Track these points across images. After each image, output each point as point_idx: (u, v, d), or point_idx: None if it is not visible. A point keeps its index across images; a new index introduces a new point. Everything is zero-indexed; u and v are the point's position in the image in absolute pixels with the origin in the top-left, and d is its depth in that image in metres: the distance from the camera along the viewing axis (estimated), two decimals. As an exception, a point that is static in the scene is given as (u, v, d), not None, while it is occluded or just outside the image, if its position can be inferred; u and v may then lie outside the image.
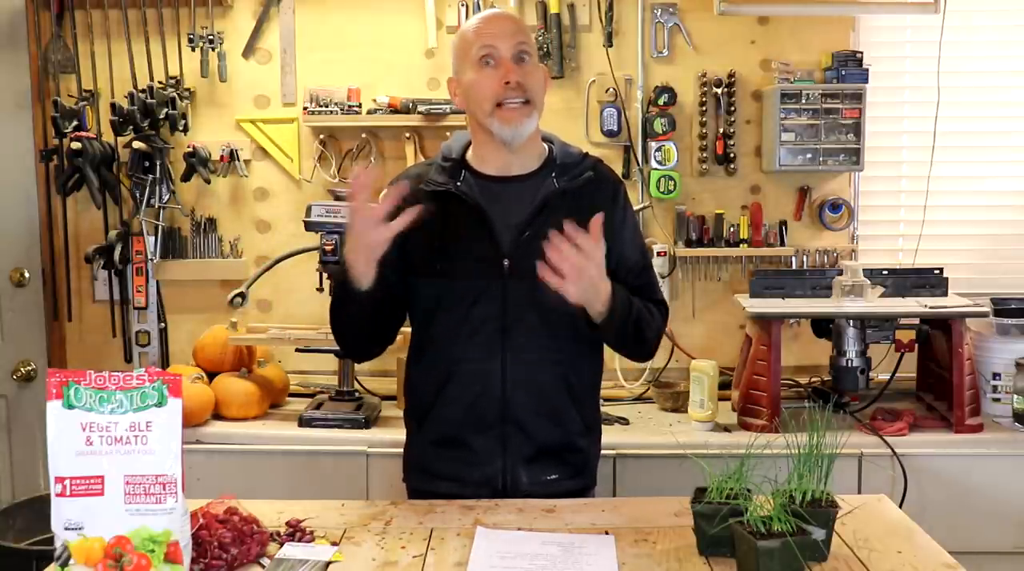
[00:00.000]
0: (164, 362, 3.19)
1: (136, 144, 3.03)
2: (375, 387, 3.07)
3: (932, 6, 2.99)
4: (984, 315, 2.80)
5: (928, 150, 3.14)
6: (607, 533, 1.75)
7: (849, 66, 3.05)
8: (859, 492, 2.50)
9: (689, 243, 3.16)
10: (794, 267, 3.15)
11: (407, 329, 2.09)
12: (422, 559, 1.65)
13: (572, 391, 2.02)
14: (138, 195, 3.07)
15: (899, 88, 3.22)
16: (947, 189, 3.20)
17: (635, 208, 2.99)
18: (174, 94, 3.06)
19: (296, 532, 1.73)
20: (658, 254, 3.11)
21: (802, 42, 3.14)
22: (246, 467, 2.72)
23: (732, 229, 3.15)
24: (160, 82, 3.08)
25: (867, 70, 3.06)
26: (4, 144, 3.16)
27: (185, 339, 3.18)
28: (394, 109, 3.07)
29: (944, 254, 3.14)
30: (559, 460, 2.02)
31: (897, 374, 3.01)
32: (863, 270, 2.84)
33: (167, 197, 3.11)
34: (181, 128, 3.09)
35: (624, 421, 2.88)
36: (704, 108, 3.14)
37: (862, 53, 3.08)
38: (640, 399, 3.10)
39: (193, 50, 3.11)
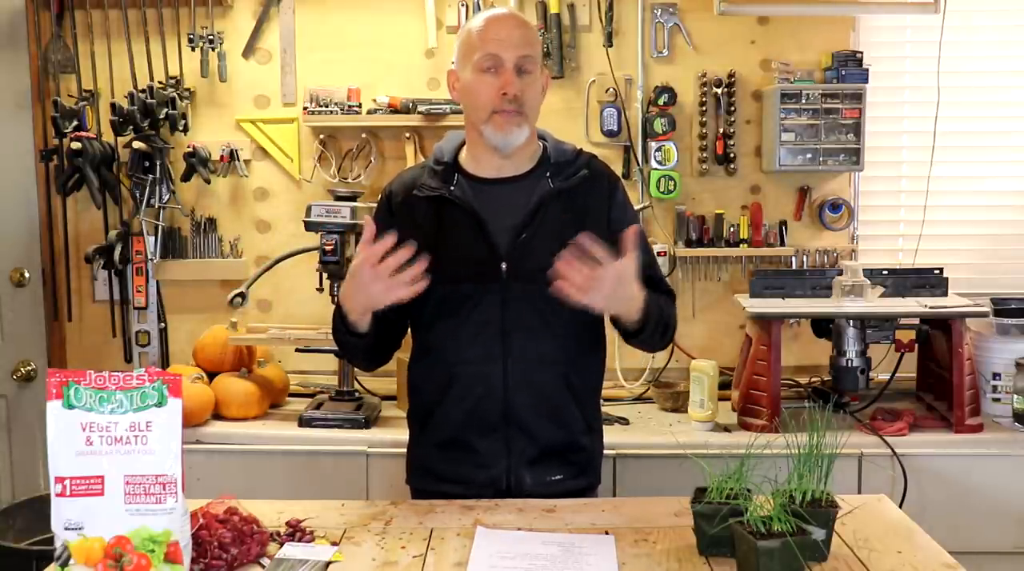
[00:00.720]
0: (164, 362, 3.19)
1: (136, 144, 3.03)
2: (375, 387, 3.06)
3: (932, 6, 2.99)
4: (984, 315, 2.80)
5: (928, 150, 3.14)
6: (607, 533, 1.75)
7: (849, 66, 3.05)
8: (859, 492, 2.50)
9: (689, 243, 3.16)
10: (794, 267, 3.15)
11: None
12: (422, 559, 1.65)
13: (574, 391, 2.02)
14: (138, 195, 3.07)
15: (899, 88, 3.22)
16: (947, 189, 3.20)
17: (635, 208, 3.00)
18: (174, 94, 3.06)
19: (296, 532, 1.73)
20: (658, 254, 3.09)
21: (802, 42, 3.14)
22: (246, 467, 2.72)
23: (732, 229, 3.15)
24: (160, 82, 3.08)
25: (867, 70, 3.06)
26: (4, 144, 3.16)
27: (185, 339, 3.18)
28: (394, 109, 3.07)
29: (944, 254, 3.14)
30: (563, 460, 2.03)
31: (897, 374, 3.01)
32: (863, 270, 2.84)
33: (167, 197, 3.11)
34: (181, 128, 3.09)
35: (624, 421, 2.88)
36: (704, 108, 3.14)
37: (862, 53, 3.08)
38: (640, 399, 3.10)
39: (193, 50, 3.11)
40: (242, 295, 2.98)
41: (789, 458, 1.63)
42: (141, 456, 1.48)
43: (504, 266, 1.95)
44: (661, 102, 3.10)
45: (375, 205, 2.13)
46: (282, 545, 1.68)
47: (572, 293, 1.75)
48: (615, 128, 3.13)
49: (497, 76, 1.93)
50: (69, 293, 3.21)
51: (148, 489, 1.48)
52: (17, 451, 3.21)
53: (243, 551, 1.61)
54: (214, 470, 2.65)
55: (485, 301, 1.95)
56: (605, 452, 2.16)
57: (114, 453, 1.48)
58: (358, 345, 1.96)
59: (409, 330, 2.10)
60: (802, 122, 3.04)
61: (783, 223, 3.17)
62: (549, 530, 1.76)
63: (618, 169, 3.10)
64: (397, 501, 1.94)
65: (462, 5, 3.10)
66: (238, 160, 3.15)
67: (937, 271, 2.93)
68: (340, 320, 1.92)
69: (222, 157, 3.14)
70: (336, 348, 2.81)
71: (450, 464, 2.02)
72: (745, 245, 3.15)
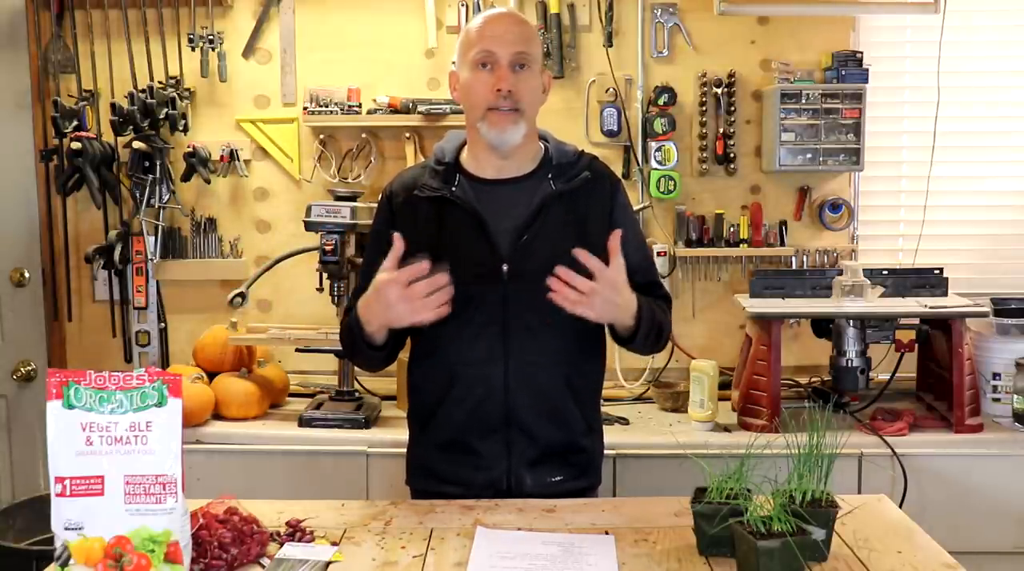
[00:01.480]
0: (164, 362, 3.19)
1: (136, 144, 3.03)
2: (375, 387, 3.06)
3: (932, 6, 2.99)
4: (984, 315, 2.80)
5: (928, 150, 3.14)
6: (607, 533, 1.75)
7: (849, 66, 3.05)
8: (859, 492, 2.50)
9: (689, 243, 3.16)
10: (794, 267, 3.15)
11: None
12: (422, 559, 1.65)
13: (574, 392, 2.02)
14: (138, 195, 3.07)
15: (899, 88, 3.22)
16: (947, 189, 3.20)
17: (635, 208, 3.00)
18: (174, 94, 3.06)
19: (296, 532, 1.73)
20: (658, 254, 3.10)
21: (802, 42, 3.14)
22: (246, 467, 2.72)
23: (732, 229, 3.15)
24: (160, 82, 3.08)
25: (867, 70, 3.06)
26: (4, 144, 3.16)
27: (185, 339, 3.18)
28: (394, 109, 3.07)
29: (944, 254, 3.14)
30: (563, 461, 2.02)
31: (897, 374, 3.01)
32: (863, 270, 2.84)
33: (167, 197, 3.11)
34: (181, 128, 3.09)
35: (624, 421, 2.88)
36: (704, 108, 3.14)
37: (862, 53, 3.08)
38: (640, 399, 3.10)
39: (193, 50, 3.11)
40: (242, 295, 2.98)
41: (789, 458, 1.63)
42: (141, 456, 1.48)
43: (505, 267, 1.95)
44: (661, 102, 3.11)
45: (375, 205, 2.13)
46: (282, 545, 1.68)
47: (567, 305, 1.78)
48: (615, 128, 3.13)
49: (492, 73, 1.93)
50: (69, 293, 3.21)
51: (148, 489, 1.48)
52: (17, 451, 3.21)
53: (243, 551, 1.61)
54: (214, 470, 2.65)
55: (486, 302, 1.95)
56: (605, 452, 2.16)
57: (114, 453, 1.48)
58: (375, 357, 1.98)
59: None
60: (802, 122, 3.05)
61: (783, 223, 3.17)
62: (549, 530, 1.76)
63: (618, 169, 3.10)
64: (397, 501, 1.94)
65: (462, 5, 3.10)
66: (238, 160, 3.15)
67: (937, 271, 2.93)
68: (356, 330, 1.91)
69: (222, 157, 3.14)
70: (336, 348, 2.84)
71: (450, 465, 2.02)
72: (745, 245, 3.15)
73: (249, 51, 3.17)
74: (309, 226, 2.81)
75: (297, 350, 2.99)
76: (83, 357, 3.23)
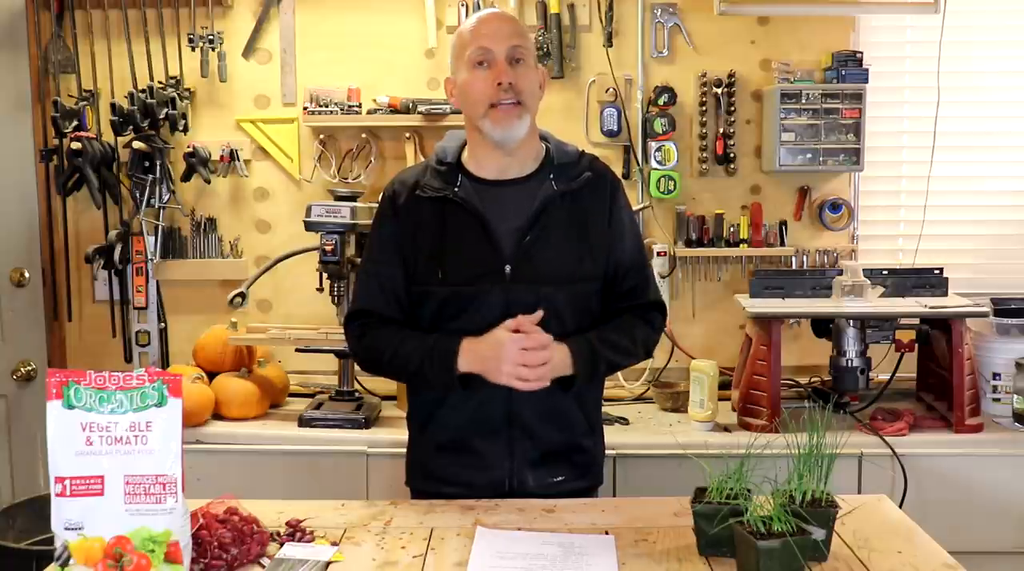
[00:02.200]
0: (164, 362, 3.19)
1: (136, 144, 3.03)
2: (375, 387, 3.06)
3: (932, 6, 2.99)
4: (984, 315, 2.80)
5: (928, 150, 3.14)
6: (607, 533, 1.75)
7: (849, 66, 3.05)
8: (859, 492, 2.50)
9: (689, 243, 3.16)
10: (794, 267, 3.15)
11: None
12: (422, 559, 1.65)
13: (576, 393, 2.01)
14: (138, 195, 3.07)
15: (899, 88, 3.22)
16: (947, 189, 3.20)
17: (635, 208, 3.00)
18: (174, 94, 3.06)
19: (296, 532, 1.73)
20: (658, 254, 3.11)
21: (802, 42, 3.14)
22: (246, 467, 2.72)
23: (732, 229, 3.15)
24: (160, 82, 3.08)
25: (867, 70, 3.06)
26: (4, 144, 3.16)
27: (185, 339, 3.18)
28: (394, 109, 3.07)
29: (944, 254, 3.14)
30: (565, 462, 2.03)
31: (897, 374, 3.01)
32: (863, 270, 2.84)
33: (167, 197, 3.11)
34: (181, 128, 3.09)
35: (624, 421, 2.88)
36: (704, 108, 3.13)
37: (862, 53, 3.08)
38: (640, 399, 3.10)
39: (193, 50, 3.11)
40: (242, 295, 2.98)
41: (789, 458, 1.63)
42: (141, 456, 1.48)
43: (508, 268, 1.95)
44: (661, 102, 3.10)
45: (375, 205, 2.13)
46: (282, 545, 1.68)
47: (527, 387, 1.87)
48: (615, 128, 3.13)
49: (490, 69, 1.93)
50: (69, 293, 3.21)
51: (148, 489, 1.48)
52: (17, 451, 3.21)
53: (243, 551, 1.61)
54: (214, 470, 2.65)
55: (488, 303, 1.94)
56: (606, 452, 2.16)
57: (114, 453, 1.48)
58: (428, 387, 2.01)
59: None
60: (802, 122, 3.04)
61: (783, 223, 3.17)
62: (549, 530, 1.76)
63: (618, 169, 3.10)
64: (397, 501, 1.94)
65: (462, 5, 3.10)
66: (238, 160, 3.15)
67: (937, 271, 2.93)
68: (438, 359, 1.91)
69: (222, 157, 3.14)
70: (336, 348, 2.84)
71: (452, 466, 2.01)
72: (745, 245, 3.15)
73: (249, 51, 3.17)
74: (309, 226, 2.81)
75: (297, 350, 2.99)
76: (83, 357, 3.23)
